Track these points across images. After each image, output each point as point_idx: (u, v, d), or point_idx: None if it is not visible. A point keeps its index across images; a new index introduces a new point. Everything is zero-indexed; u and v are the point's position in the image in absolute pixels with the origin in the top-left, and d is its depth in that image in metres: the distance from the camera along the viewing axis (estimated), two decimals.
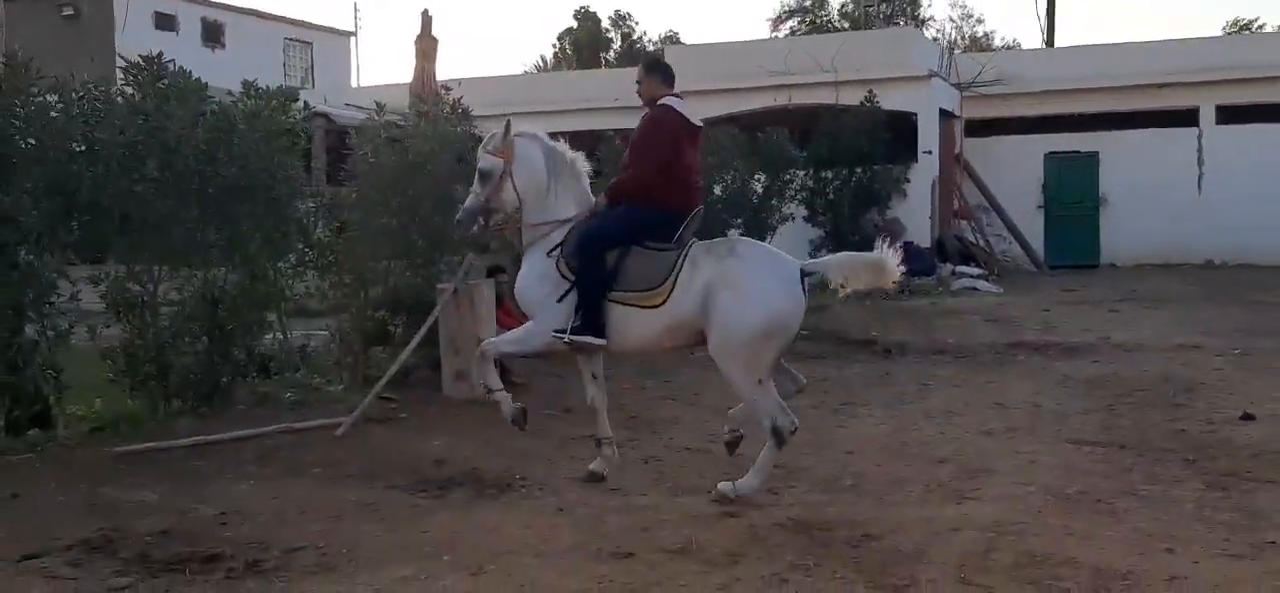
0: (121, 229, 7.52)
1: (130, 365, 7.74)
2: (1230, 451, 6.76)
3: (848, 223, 18.98)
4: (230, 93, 8.56)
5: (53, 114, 6.98)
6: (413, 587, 4.60)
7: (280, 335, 9.29)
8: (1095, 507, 5.62)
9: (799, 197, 18.49)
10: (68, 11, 27.49)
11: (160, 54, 7.73)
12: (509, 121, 6.28)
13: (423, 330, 8.39)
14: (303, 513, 5.71)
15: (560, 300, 5.94)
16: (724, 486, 5.78)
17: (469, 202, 6.19)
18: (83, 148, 7.12)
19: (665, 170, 6.04)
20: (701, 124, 6.38)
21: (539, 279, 6.04)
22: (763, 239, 14.99)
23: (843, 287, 5.99)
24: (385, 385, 8.15)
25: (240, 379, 8.46)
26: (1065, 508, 5.60)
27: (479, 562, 4.86)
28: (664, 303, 5.79)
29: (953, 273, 19.26)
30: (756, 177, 15.92)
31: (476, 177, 6.17)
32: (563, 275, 5.95)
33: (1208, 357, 10.61)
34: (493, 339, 6.32)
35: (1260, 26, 40.75)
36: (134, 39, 27.15)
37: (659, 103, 6.23)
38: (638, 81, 6.43)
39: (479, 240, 6.90)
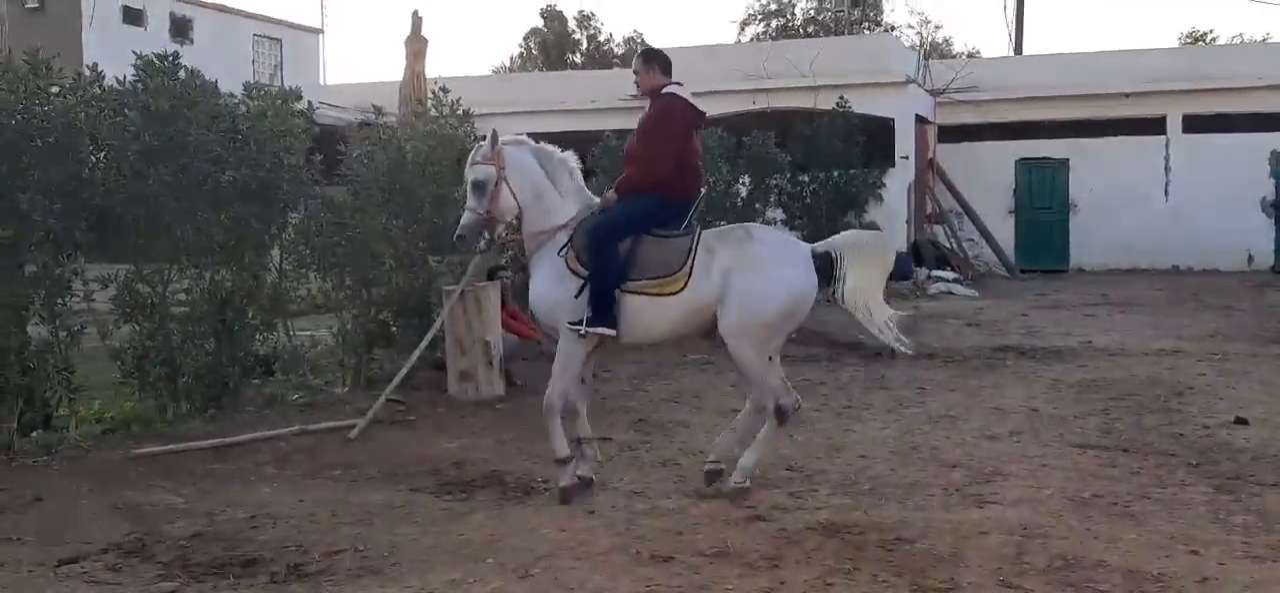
0: (132, 230, 7.48)
1: (139, 366, 7.69)
2: (1231, 454, 6.95)
3: (825, 226, 19.12)
4: (232, 95, 8.53)
5: (68, 112, 6.92)
6: (462, 590, 4.65)
7: (284, 336, 9.26)
8: (1112, 510, 5.77)
9: (778, 200, 18.64)
10: (32, 4, 27.07)
11: (176, 54, 7.68)
12: (495, 130, 6.30)
13: (432, 332, 8.41)
14: (334, 516, 5.73)
15: (578, 296, 5.95)
16: (735, 478, 5.93)
17: (467, 217, 6.09)
18: (101, 150, 7.06)
19: (678, 160, 6.10)
20: (704, 111, 6.42)
21: (554, 282, 6.03)
22: None
23: (845, 277, 6.03)
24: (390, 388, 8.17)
25: (246, 380, 8.44)
26: (1084, 511, 5.74)
27: (523, 564, 4.91)
28: (683, 289, 5.87)
29: (928, 277, 19.51)
30: (740, 180, 16.04)
31: (470, 189, 6.09)
32: (575, 272, 5.98)
33: (1190, 361, 10.85)
34: (549, 392, 6.07)
35: (1214, 38, 41.57)
36: (101, 33, 26.82)
37: (664, 92, 6.25)
38: (635, 73, 6.46)
39: (487, 255, 6.90)
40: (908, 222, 20.54)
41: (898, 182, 20.46)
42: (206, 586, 4.75)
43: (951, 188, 22.53)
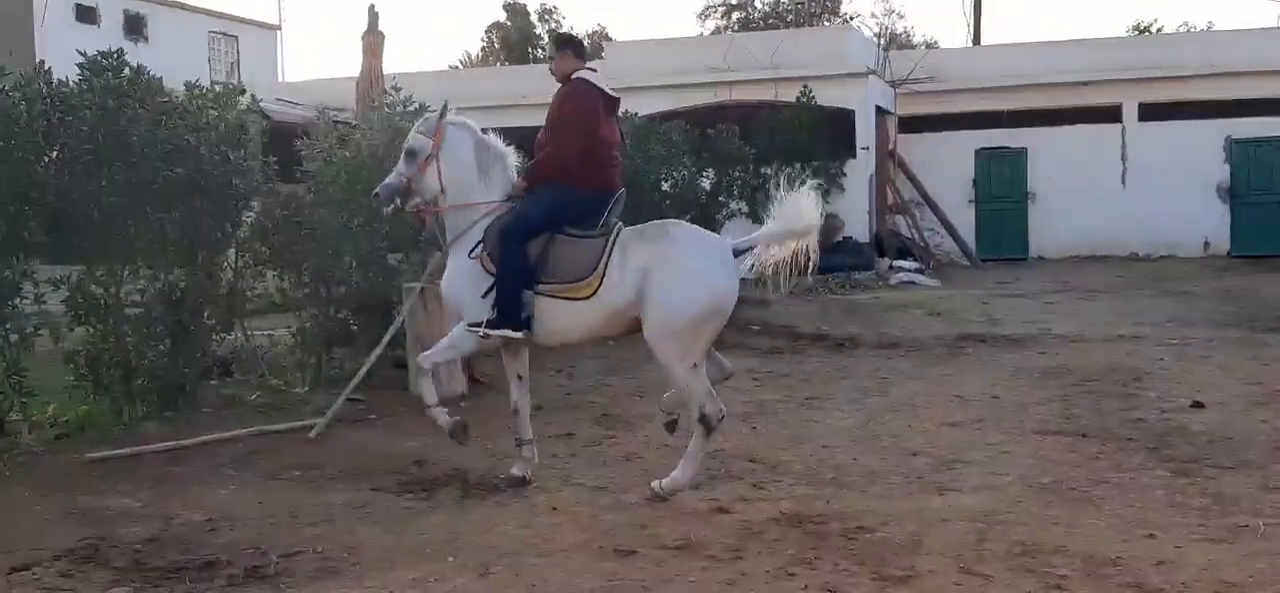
0: (83, 231, 7.35)
1: (93, 369, 7.56)
2: (1188, 438, 7.03)
3: None
4: (175, 90, 8.40)
5: (19, 110, 6.78)
6: (423, 589, 4.59)
7: (241, 336, 9.14)
8: (1072, 495, 5.82)
9: (741, 193, 18.64)
10: None
11: (121, 51, 7.55)
12: (445, 104, 6.22)
13: (392, 330, 8.34)
14: (293, 517, 5.66)
15: (485, 296, 5.84)
16: (655, 485, 5.79)
17: (390, 178, 6.07)
18: (53, 149, 6.93)
19: (585, 147, 5.96)
20: (618, 96, 6.31)
21: (463, 278, 5.95)
22: None
23: (775, 259, 5.78)
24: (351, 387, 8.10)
25: (204, 381, 8.33)
26: (1044, 497, 5.78)
27: (484, 562, 4.87)
28: (594, 294, 5.72)
29: (891, 267, 19.62)
30: (704, 173, 16.04)
31: (403, 154, 6.06)
32: (486, 271, 5.87)
33: (1148, 347, 10.98)
34: (426, 352, 6.18)
35: (1159, 28, 42.07)
36: (54, 32, 26.37)
37: (574, 77, 6.15)
38: (550, 59, 6.38)
39: (393, 218, 6.83)
40: (869, 212, 20.63)
41: (859, 173, 20.53)
42: (162, 590, 4.67)
43: (912, 178, 22.66)
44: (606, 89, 6.17)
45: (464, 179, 6.02)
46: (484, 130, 6.27)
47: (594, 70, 6.27)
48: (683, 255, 5.70)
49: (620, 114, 6.62)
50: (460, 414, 6.15)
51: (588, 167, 5.97)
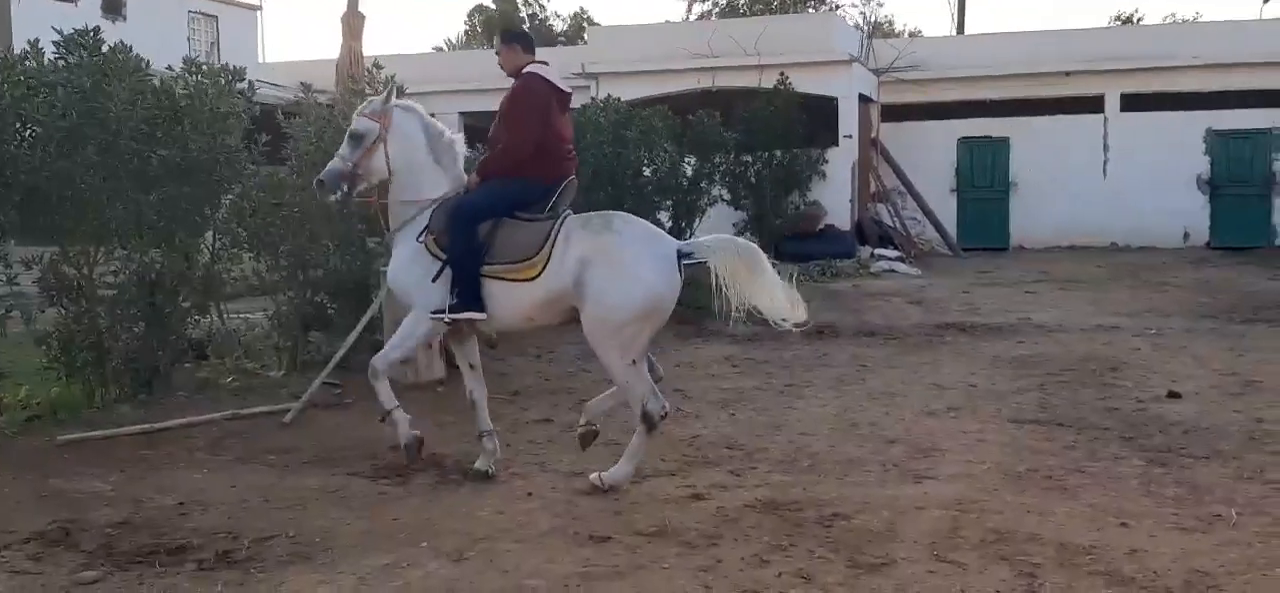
0: (57, 211, 7.26)
1: (66, 351, 7.48)
2: (1163, 428, 7.06)
3: (770, 205, 19.24)
4: (170, 68, 8.32)
5: None
6: (396, 575, 4.57)
7: (217, 319, 9.07)
8: (1047, 484, 5.83)
9: (723, 180, 18.63)
10: None
11: (98, 29, 7.46)
12: (393, 88, 6.13)
13: (369, 314, 8.29)
14: (266, 501, 5.62)
15: (434, 280, 5.75)
16: (593, 477, 5.75)
17: (333, 163, 5.90)
18: (25, 128, 6.84)
19: (539, 142, 5.89)
20: (571, 90, 6.27)
21: (410, 263, 5.86)
22: (692, 223, 15.12)
23: (726, 290, 5.65)
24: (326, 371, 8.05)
25: (178, 364, 8.26)
26: (1019, 486, 5.80)
27: (458, 548, 4.85)
28: (539, 275, 5.65)
29: (872, 255, 19.65)
30: (686, 160, 15.99)
31: (347, 138, 5.93)
32: (433, 255, 5.78)
33: (1125, 337, 11.02)
34: (379, 355, 6.02)
35: (1140, 18, 42.27)
36: (30, 9, 26.08)
37: (525, 71, 6.07)
38: (497, 53, 6.28)
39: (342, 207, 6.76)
40: (851, 201, 20.65)
41: (841, 161, 20.53)
42: (131, 575, 4.63)
43: (895, 167, 22.69)
44: (557, 83, 6.12)
45: (413, 163, 5.91)
46: (432, 115, 6.18)
47: (546, 63, 6.18)
48: (622, 250, 5.61)
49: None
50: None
51: (540, 161, 5.91)
